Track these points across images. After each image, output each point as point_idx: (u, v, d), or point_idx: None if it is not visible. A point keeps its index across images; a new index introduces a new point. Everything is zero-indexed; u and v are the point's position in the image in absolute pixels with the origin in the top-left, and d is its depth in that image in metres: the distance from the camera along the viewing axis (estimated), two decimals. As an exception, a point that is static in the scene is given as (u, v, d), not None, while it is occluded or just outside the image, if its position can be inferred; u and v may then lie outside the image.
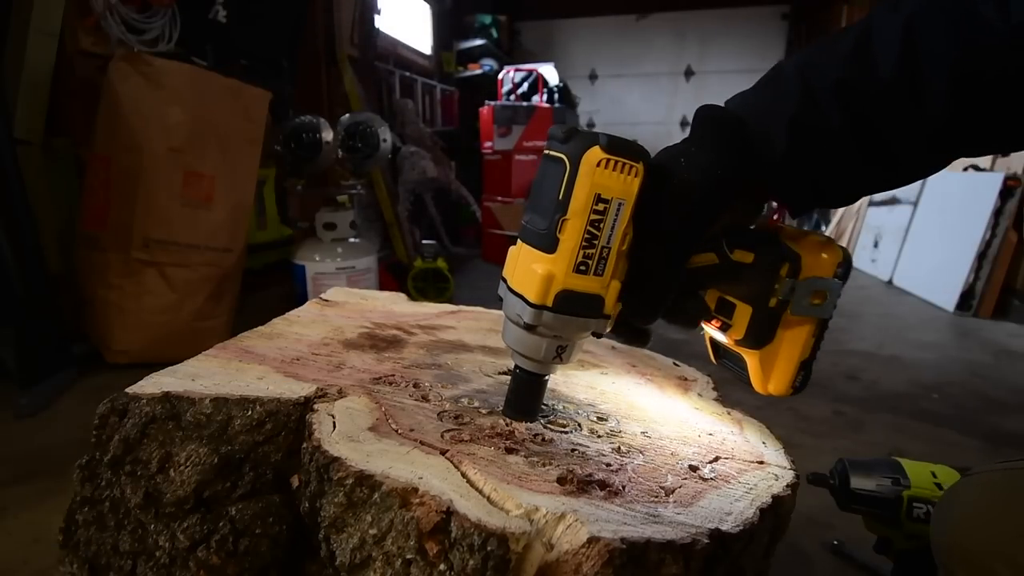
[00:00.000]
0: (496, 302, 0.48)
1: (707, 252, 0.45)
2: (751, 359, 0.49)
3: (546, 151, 0.42)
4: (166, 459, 0.45)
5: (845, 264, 0.46)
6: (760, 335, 0.47)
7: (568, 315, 0.42)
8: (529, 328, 0.43)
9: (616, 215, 0.39)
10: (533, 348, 0.44)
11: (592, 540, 0.35)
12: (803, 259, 0.45)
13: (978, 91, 0.35)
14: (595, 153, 0.38)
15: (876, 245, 3.79)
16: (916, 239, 3.34)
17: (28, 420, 1.46)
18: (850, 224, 4.21)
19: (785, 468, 0.49)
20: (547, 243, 0.40)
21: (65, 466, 0.51)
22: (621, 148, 0.39)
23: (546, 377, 0.48)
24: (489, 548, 0.34)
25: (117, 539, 0.47)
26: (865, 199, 3.94)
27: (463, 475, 0.41)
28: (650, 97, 6.26)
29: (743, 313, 0.47)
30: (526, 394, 0.49)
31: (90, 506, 0.47)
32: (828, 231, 4.44)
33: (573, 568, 0.35)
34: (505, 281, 0.45)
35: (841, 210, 4.22)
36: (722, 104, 0.44)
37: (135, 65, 1.72)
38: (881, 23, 0.37)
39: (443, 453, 0.43)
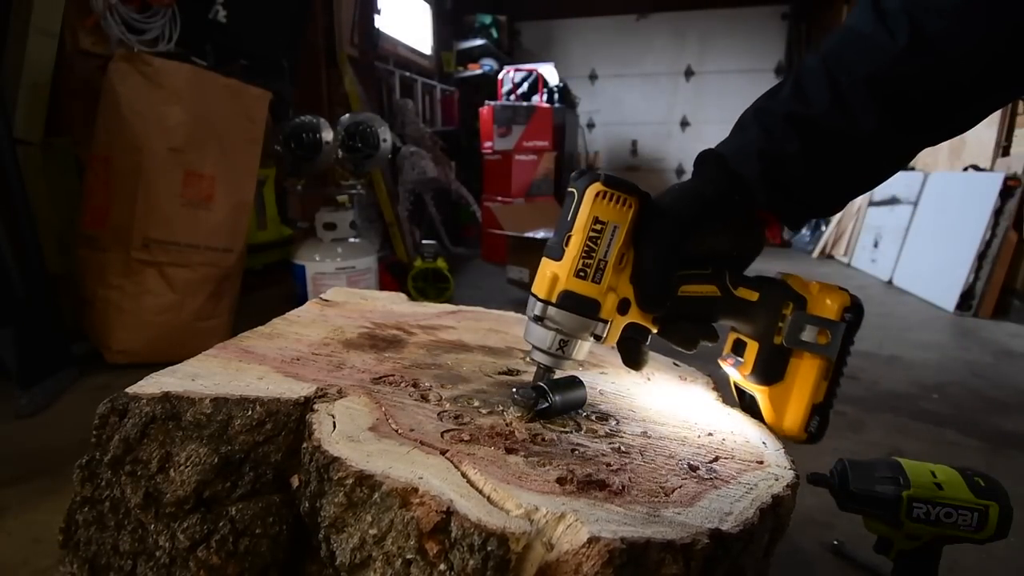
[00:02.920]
0: (495, 302, 0.50)
1: (709, 284, 0.52)
2: (762, 396, 0.54)
3: (568, 189, 0.50)
4: (166, 459, 0.46)
5: (854, 309, 0.51)
6: (767, 371, 0.53)
7: (567, 311, 0.49)
8: (537, 320, 0.50)
9: (612, 235, 0.48)
10: (540, 338, 0.51)
11: (592, 540, 0.35)
12: (808, 301, 0.51)
13: (892, 94, 0.45)
14: (595, 187, 0.48)
15: (876, 245, 3.79)
16: (916, 239, 3.34)
17: (28, 420, 1.46)
18: (850, 224, 4.21)
19: (785, 468, 0.49)
20: (556, 253, 0.49)
21: (65, 466, 0.51)
22: (617, 184, 0.48)
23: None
24: (489, 548, 0.34)
25: (117, 539, 0.47)
26: (865, 199, 3.94)
27: (463, 475, 0.41)
28: (650, 97, 6.25)
29: (751, 349, 0.53)
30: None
31: (90, 506, 0.47)
32: (827, 231, 4.44)
33: (573, 568, 0.35)
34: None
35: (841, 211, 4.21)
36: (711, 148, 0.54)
37: (135, 65, 1.72)
38: (808, 65, 0.49)
39: (443, 453, 0.43)
